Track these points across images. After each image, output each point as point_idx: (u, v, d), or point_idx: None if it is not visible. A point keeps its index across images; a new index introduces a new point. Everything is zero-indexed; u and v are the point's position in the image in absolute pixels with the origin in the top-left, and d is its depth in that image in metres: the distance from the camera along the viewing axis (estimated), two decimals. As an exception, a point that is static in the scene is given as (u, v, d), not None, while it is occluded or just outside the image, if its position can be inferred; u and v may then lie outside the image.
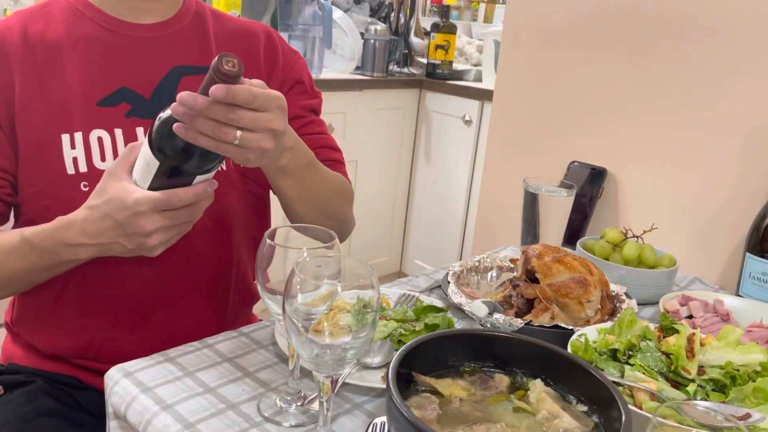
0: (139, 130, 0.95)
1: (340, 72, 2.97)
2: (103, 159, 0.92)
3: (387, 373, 0.63)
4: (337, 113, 2.71)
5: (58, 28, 0.94)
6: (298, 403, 0.74)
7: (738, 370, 0.76)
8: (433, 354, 0.72)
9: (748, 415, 0.70)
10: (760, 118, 1.27)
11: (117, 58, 0.95)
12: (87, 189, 0.91)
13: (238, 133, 0.73)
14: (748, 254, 1.15)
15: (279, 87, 1.06)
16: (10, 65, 0.90)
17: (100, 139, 0.92)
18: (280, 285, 0.66)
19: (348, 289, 0.64)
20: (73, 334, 0.99)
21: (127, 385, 0.76)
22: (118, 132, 0.93)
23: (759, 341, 0.94)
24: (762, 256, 1.13)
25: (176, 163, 0.76)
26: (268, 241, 0.70)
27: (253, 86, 0.74)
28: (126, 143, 0.93)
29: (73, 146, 0.91)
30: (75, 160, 0.91)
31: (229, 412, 0.72)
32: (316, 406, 0.74)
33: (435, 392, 0.68)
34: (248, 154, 0.76)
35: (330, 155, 1.09)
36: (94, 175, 0.91)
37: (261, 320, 0.96)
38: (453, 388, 0.69)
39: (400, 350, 0.67)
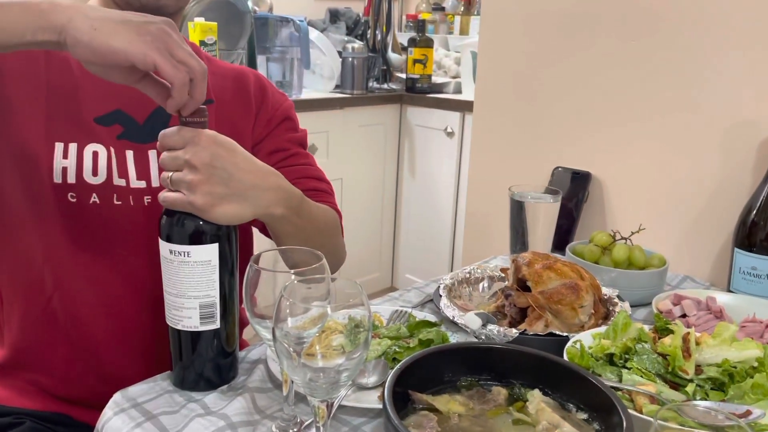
0: (129, 153, 0.95)
1: (320, 92, 2.97)
2: (95, 174, 0.93)
3: (383, 393, 0.62)
4: (318, 133, 2.71)
5: None
6: (295, 429, 0.73)
7: (735, 367, 0.76)
8: (429, 370, 0.71)
9: (748, 413, 0.69)
10: (740, 114, 1.28)
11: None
12: (74, 200, 0.92)
13: (168, 175, 0.77)
14: (736, 249, 1.16)
15: (267, 122, 1.09)
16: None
17: (95, 153, 0.93)
18: (269, 309, 0.65)
19: (338, 310, 0.63)
20: (65, 380, 0.99)
21: (130, 413, 0.75)
22: (110, 150, 0.95)
23: (753, 336, 0.94)
24: (750, 251, 1.13)
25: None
26: (254, 265, 0.69)
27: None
28: (118, 163, 0.94)
29: (65, 156, 0.92)
30: (65, 170, 0.92)
31: (224, 442, 0.71)
32: (313, 431, 0.73)
33: (433, 409, 0.67)
34: (189, 198, 0.77)
35: (316, 185, 1.09)
36: (82, 187, 0.92)
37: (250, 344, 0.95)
38: (451, 404, 0.68)
39: (395, 369, 0.66)
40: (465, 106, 2.74)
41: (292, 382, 0.72)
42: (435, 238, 3.02)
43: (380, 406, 0.75)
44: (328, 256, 1.03)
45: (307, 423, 0.74)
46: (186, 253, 0.76)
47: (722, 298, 1.06)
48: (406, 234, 3.19)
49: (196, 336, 0.79)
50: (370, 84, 3.11)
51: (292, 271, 0.68)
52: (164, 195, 0.77)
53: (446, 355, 0.72)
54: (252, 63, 2.62)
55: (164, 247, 0.77)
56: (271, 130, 1.09)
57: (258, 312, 0.72)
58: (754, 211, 1.13)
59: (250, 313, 0.71)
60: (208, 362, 0.80)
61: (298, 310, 0.63)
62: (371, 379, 0.82)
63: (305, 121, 1.17)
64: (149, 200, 0.96)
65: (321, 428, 0.64)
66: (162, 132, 0.78)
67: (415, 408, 0.67)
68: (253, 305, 0.72)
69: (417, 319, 0.97)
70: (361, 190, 3.01)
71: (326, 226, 1.03)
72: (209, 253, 0.77)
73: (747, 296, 1.08)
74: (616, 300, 1.03)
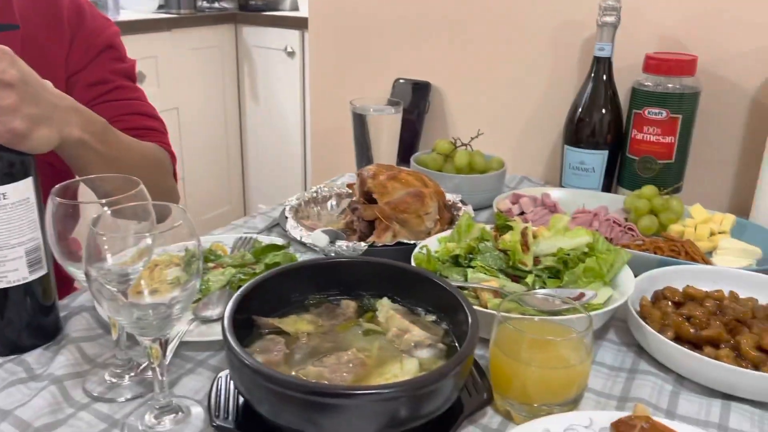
0: None
1: (142, 12, 2.70)
2: None
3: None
4: (146, 58, 2.47)
5: None
6: (132, 374, 0.67)
7: (569, 255, 0.80)
8: (274, 293, 0.67)
9: (582, 295, 0.73)
10: (566, 13, 1.32)
11: None
12: None
13: None
14: (566, 146, 1.22)
15: (85, 51, 0.96)
16: None
17: None
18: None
19: (168, 243, 0.56)
20: None
21: None
22: None
23: (584, 225, 1.00)
24: (578, 147, 1.19)
25: None
26: (56, 199, 0.59)
27: None
28: None
29: None
30: None
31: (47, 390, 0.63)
32: (149, 373, 0.67)
33: (280, 332, 0.64)
34: (10, 125, 0.65)
35: (145, 123, 0.99)
36: None
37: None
38: (298, 323, 0.65)
39: (235, 295, 0.62)
40: (304, 24, 2.61)
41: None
42: (286, 163, 2.94)
43: (225, 336, 0.70)
44: (155, 198, 0.94)
45: (144, 365, 0.68)
46: (2, 195, 0.64)
47: (556, 194, 1.12)
48: (255, 162, 3.08)
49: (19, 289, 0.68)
50: (199, 2, 2.88)
51: (104, 200, 0.59)
52: None
53: (290, 275, 0.68)
54: (56, -19, 2.30)
55: None
56: (90, 59, 0.96)
57: (82, 254, 0.63)
58: (580, 109, 1.19)
59: (61, 254, 0.62)
60: (25, 320, 0.70)
61: (117, 244, 0.55)
62: (216, 311, 0.77)
63: (128, 46, 1.03)
64: None
65: (157, 369, 0.58)
66: None
67: (261, 333, 0.64)
68: (71, 246, 0.63)
69: (263, 244, 0.93)
70: (201, 120, 2.83)
71: (146, 161, 0.93)
72: (26, 189, 0.65)
73: (577, 190, 1.15)
74: (460, 204, 1.04)
